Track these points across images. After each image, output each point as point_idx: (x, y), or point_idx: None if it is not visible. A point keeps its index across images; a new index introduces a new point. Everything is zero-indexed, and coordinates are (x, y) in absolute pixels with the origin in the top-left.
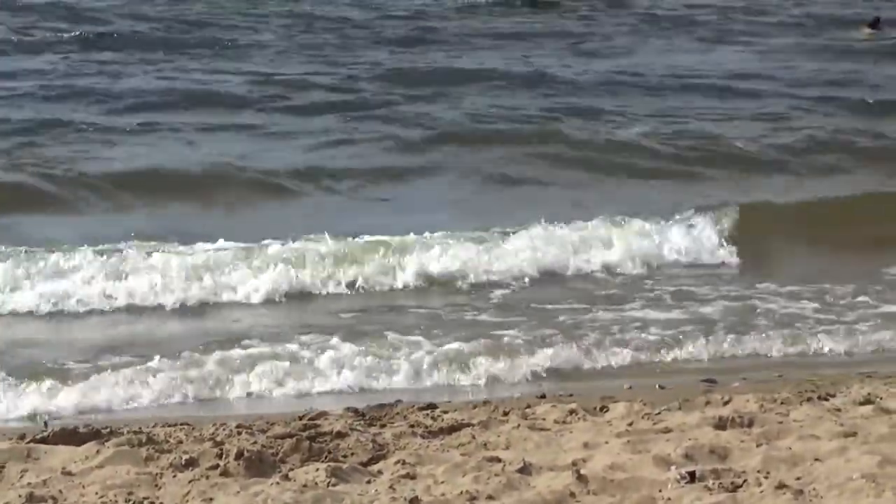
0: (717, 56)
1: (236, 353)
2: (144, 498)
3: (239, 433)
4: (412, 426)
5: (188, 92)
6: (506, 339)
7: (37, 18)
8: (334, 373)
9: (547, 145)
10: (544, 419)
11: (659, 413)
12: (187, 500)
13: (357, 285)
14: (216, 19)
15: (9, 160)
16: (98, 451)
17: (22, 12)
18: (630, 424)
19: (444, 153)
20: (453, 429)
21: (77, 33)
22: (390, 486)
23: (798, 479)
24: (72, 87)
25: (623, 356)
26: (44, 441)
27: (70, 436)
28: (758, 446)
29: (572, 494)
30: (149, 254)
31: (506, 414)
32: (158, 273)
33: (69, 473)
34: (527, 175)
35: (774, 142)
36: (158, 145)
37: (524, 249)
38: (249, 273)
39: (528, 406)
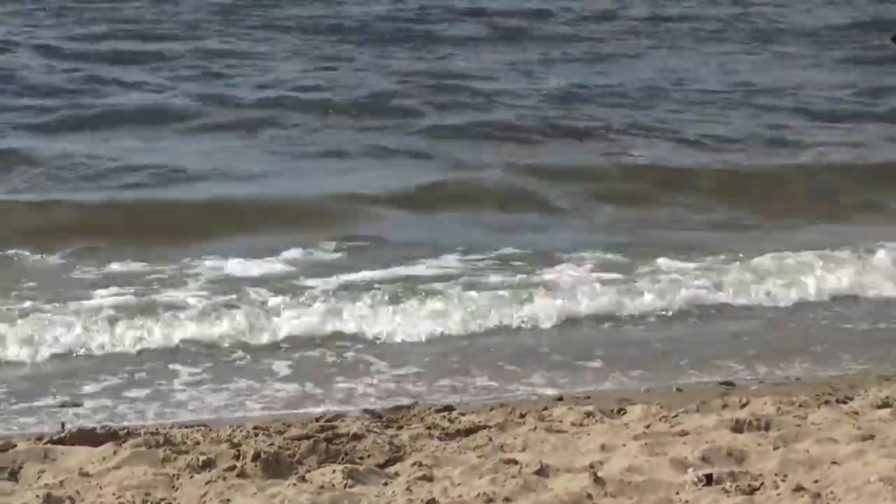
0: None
1: None
2: (161, 499)
3: (256, 435)
4: (429, 428)
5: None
6: None
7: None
8: None
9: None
10: (561, 421)
11: (676, 416)
12: (204, 501)
13: None
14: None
15: None
16: (115, 452)
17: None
18: (647, 427)
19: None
20: (470, 431)
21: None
22: (407, 488)
23: (815, 482)
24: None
25: None
26: (61, 442)
27: (87, 436)
28: (775, 449)
29: (589, 496)
30: None
31: (522, 416)
32: None
33: (86, 474)
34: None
35: None
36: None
37: None
38: None
39: (545, 408)
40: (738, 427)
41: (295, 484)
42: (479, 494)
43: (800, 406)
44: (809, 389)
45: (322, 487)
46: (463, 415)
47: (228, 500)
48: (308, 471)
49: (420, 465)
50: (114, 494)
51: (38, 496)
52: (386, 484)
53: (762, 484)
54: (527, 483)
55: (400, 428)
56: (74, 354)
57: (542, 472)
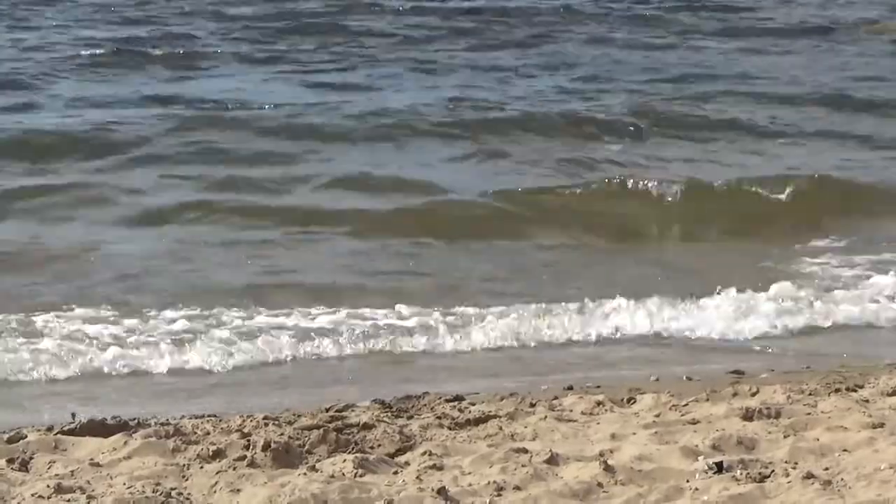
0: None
1: None
2: (172, 489)
3: (266, 425)
4: (439, 418)
5: None
6: None
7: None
8: None
9: None
10: (571, 410)
11: (686, 404)
12: (214, 491)
13: None
14: None
15: None
16: (125, 443)
17: None
18: (657, 416)
19: None
20: (480, 420)
21: None
22: (417, 477)
23: (826, 469)
24: None
25: None
26: (71, 432)
27: (98, 427)
28: (785, 437)
29: (600, 485)
30: None
31: (533, 405)
32: None
33: (97, 464)
34: None
35: None
36: None
37: None
38: None
39: (555, 397)
40: (748, 415)
41: (305, 473)
42: (489, 483)
43: (810, 394)
44: (820, 378)
45: (332, 477)
46: (473, 404)
47: (238, 490)
48: (318, 460)
49: (430, 454)
50: (124, 484)
51: (48, 486)
52: (396, 473)
53: (772, 472)
54: (537, 472)
55: (410, 417)
56: None
57: (553, 460)
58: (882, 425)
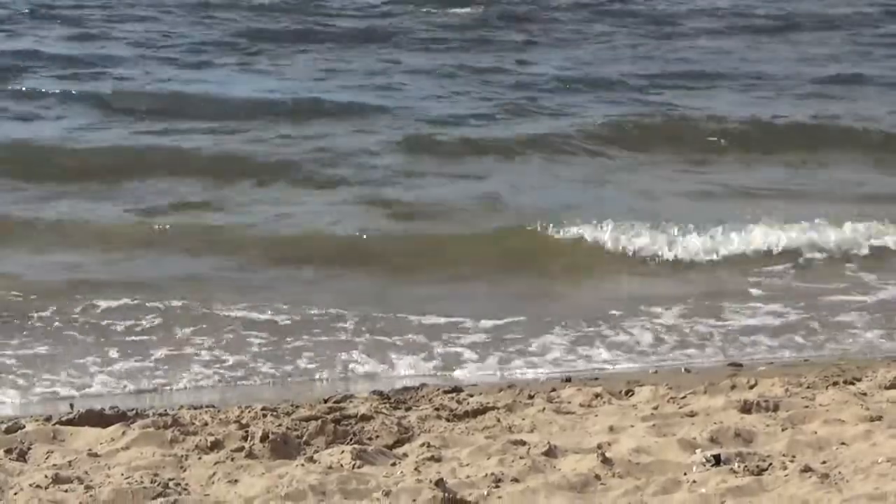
0: None
1: None
2: (170, 479)
3: (264, 416)
4: (437, 409)
5: None
6: None
7: None
8: None
9: None
10: (569, 402)
11: (684, 397)
12: (212, 482)
13: None
14: None
15: None
16: (124, 433)
17: None
18: (655, 408)
19: None
20: (478, 412)
21: None
22: (415, 469)
23: (823, 462)
24: None
25: None
26: (70, 423)
27: (96, 418)
28: (783, 430)
29: (597, 477)
30: None
31: (531, 397)
32: None
33: (95, 455)
34: None
35: None
36: None
37: None
38: None
39: (554, 389)
40: (746, 408)
41: (303, 464)
42: (487, 475)
43: (808, 387)
44: (818, 370)
45: (330, 468)
46: (471, 396)
47: (236, 481)
48: (316, 451)
49: (428, 445)
50: (122, 475)
51: (46, 476)
52: (394, 464)
53: (770, 465)
54: (535, 464)
55: (408, 409)
56: None
57: (551, 452)
58: (880, 418)
